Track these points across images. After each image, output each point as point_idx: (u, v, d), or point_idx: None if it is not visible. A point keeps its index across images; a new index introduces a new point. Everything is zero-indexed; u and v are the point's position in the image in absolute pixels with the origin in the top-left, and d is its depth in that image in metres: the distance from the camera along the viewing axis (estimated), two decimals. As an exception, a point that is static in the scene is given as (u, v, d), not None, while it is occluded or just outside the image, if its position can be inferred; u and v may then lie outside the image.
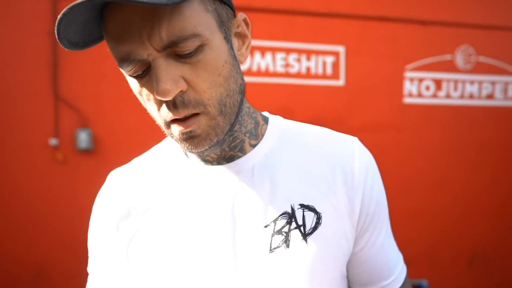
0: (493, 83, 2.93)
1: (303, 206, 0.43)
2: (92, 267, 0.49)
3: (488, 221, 2.74)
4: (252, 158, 0.45)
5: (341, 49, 2.44)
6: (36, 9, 2.00)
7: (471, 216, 2.65)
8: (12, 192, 2.04)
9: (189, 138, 0.38)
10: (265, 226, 0.42)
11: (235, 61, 0.40)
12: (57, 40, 0.35)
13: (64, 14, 0.31)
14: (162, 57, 0.35)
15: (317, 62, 2.42)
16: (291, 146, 0.47)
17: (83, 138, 2.06)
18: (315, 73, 2.42)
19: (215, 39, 0.37)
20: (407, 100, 2.73)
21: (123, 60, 0.36)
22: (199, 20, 0.35)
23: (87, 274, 0.56)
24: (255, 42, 2.27)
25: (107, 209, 0.49)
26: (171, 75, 0.34)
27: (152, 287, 0.44)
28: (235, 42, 0.42)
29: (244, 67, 2.25)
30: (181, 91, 0.35)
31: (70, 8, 0.30)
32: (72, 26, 0.34)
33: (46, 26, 1.99)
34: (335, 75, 2.45)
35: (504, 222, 2.90)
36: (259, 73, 2.33)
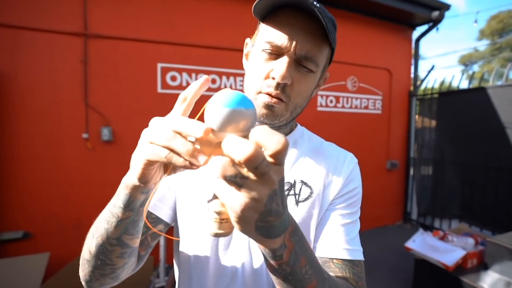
0: (368, 99, 3.70)
1: (302, 182, 0.48)
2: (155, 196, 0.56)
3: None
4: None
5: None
6: (72, 43, 2.24)
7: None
8: (58, 169, 2.26)
9: (268, 108, 0.45)
10: None
11: (312, 93, 0.50)
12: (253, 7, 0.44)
13: None
14: (292, 59, 0.44)
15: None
16: (304, 144, 0.54)
17: (105, 133, 2.34)
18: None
19: (317, 75, 0.47)
20: (319, 108, 3.39)
21: (272, 41, 0.43)
22: (322, 59, 0.46)
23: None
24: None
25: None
26: (290, 71, 0.43)
27: (183, 222, 0.52)
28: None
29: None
30: (286, 83, 0.43)
31: None
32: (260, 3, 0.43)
33: (80, 56, 2.24)
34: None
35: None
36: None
